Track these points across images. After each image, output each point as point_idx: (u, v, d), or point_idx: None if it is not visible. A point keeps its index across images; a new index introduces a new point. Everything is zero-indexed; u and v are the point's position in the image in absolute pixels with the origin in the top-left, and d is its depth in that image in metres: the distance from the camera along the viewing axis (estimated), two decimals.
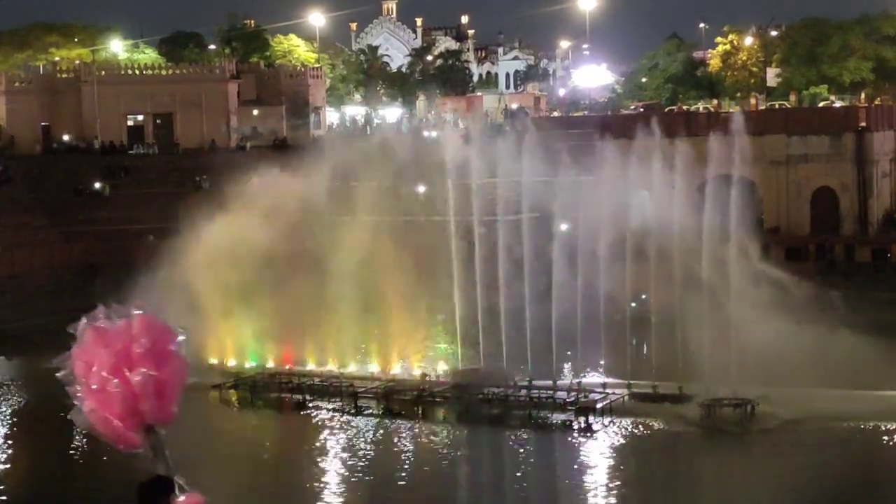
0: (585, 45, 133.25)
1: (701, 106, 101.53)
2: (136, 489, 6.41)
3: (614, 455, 44.82)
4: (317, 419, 51.14)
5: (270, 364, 58.07)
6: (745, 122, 64.54)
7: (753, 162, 75.39)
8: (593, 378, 52.90)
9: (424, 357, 56.78)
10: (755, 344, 47.06)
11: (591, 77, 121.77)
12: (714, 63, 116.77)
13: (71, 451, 47.45)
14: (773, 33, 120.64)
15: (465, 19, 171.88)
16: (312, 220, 58.86)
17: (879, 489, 42.02)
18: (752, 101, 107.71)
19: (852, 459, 44.18)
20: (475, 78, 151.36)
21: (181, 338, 6.35)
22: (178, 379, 6.28)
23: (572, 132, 73.30)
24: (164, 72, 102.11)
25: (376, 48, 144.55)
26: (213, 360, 57.89)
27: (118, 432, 6.27)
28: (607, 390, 50.63)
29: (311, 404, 53.25)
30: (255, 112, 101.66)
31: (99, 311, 6.38)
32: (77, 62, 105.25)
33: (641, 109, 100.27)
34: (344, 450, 46.56)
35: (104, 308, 6.40)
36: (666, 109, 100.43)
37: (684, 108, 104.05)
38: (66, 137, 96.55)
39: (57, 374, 6.39)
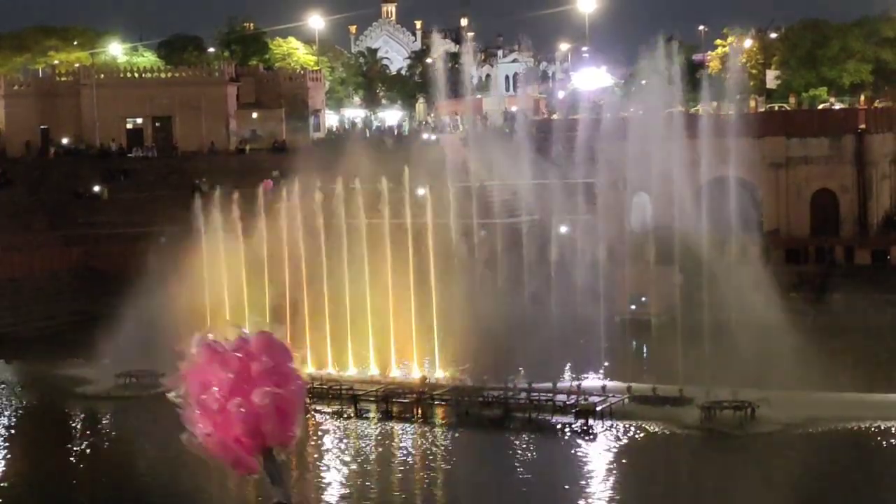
0: (585, 48, 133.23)
1: (701, 108, 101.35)
2: None
3: (614, 458, 44.73)
4: (316, 422, 51.04)
5: None
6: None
7: (753, 164, 75.43)
8: (593, 381, 52.79)
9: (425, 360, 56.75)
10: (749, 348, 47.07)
11: (591, 79, 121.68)
12: (713, 65, 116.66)
13: (70, 455, 47.39)
14: (773, 35, 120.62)
15: (464, 22, 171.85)
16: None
17: (878, 491, 41.94)
18: (752, 103, 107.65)
19: (852, 461, 44.10)
20: (474, 81, 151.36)
21: (298, 357, 6.09)
22: (298, 399, 6.01)
23: None
24: (163, 75, 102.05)
25: (375, 51, 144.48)
26: None
27: (236, 456, 5.94)
28: (607, 393, 50.54)
29: (311, 408, 53.14)
30: (255, 115, 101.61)
31: (209, 328, 6.12)
32: (76, 65, 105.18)
33: (641, 112, 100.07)
34: (343, 453, 46.48)
35: (214, 326, 6.17)
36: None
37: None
38: (64, 140, 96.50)
39: (169, 396, 6.12)
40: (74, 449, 48.69)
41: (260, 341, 5.98)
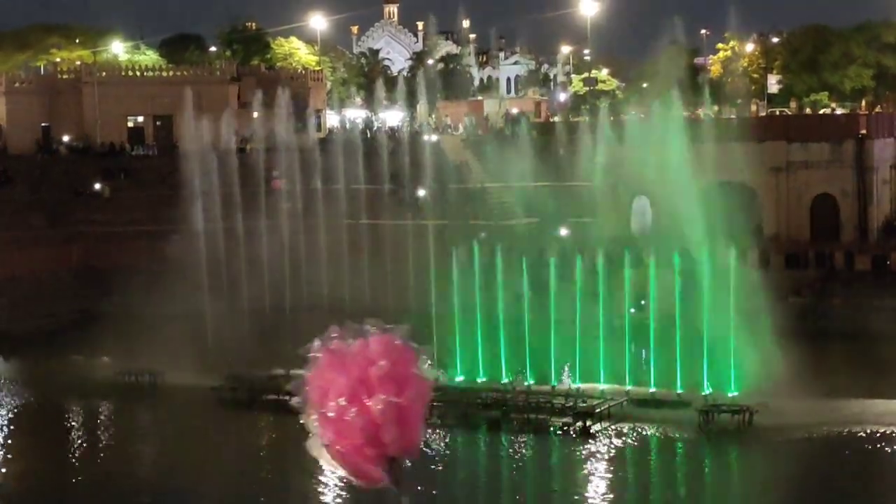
0: (586, 51, 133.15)
1: (702, 113, 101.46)
2: None
3: (612, 460, 44.73)
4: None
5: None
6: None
7: (753, 169, 75.50)
8: (592, 383, 52.78)
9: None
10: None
11: (591, 82, 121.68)
12: (715, 69, 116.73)
13: (68, 453, 47.40)
14: (775, 40, 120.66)
15: (466, 24, 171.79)
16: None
17: (874, 496, 41.94)
18: (753, 107, 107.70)
19: (849, 466, 44.10)
20: (476, 83, 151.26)
21: (422, 359, 5.77)
22: (420, 405, 5.73)
23: None
24: (164, 73, 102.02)
25: (377, 51, 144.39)
26: (213, 363, 57.82)
27: (359, 465, 5.70)
28: (606, 396, 50.58)
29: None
30: (256, 115, 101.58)
31: (332, 331, 5.90)
32: (78, 63, 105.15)
33: (642, 116, 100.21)
34: None
35: (337, 328, 5.91)
36: None
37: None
38: (65, 138, 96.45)
39: (291, 402, 6.01)
40: (72, 446, 48.69)
41: (380, 344, 5.73)
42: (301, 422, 5.75)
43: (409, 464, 5.64)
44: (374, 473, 5.69)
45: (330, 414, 5.67)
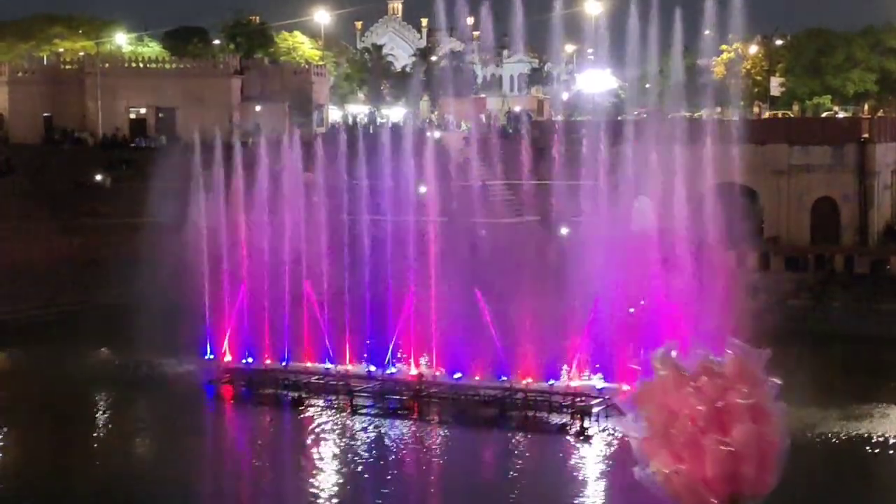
0: (590, 50, 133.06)
1: (704, 114, 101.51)
2: None
3: (609, 459, 44.76)
4: (312, 417, 51.08)
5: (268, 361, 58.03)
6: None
7: (755, 171, 75.50)
8: (590, 382, 52.84)
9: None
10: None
11: (595, 82, 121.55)
12: (718, 71, 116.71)
13: (65, 444, 47.43)
14: (778, 43, 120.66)
15: (470, 21, 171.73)
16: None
17: (872, 498, 41.99)
18: (756, 110, 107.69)
19: (845, 470, 44.15)
20: (479, 80, 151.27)
21: (774, 388, 5.07)
22: (779, 441, 5.16)
23: None
24: (167, 66, 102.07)
25: (381, 47, 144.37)
26: (211, 356, 57.95)
27: (698, 497, 5.05)
28: (603, 395, 50.62)
29: (306, 402, 53.17)
30: (258, 108, 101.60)
31: (670, 345, 5.28)
32: (81, 54, 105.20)
33: (644, 115, 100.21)
34: (338, 448, 46.50)
35: (673, 343, 5.31)
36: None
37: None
38: (68, 129, 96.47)
39: (619, 426, 5.46)
40: (70, 438, 48.71)
41: (736, 366, 5.12)
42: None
43: None
44: None
45: (681, 439, 5.03)
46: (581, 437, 47.37)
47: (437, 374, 54.91)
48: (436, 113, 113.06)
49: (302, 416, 51.32)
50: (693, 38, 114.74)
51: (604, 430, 47.74)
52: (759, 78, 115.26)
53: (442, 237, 56.62)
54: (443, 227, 56.72)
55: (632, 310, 55.33)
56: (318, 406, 52.47)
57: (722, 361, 5.07)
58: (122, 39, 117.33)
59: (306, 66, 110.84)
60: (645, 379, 5.14)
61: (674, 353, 5.11)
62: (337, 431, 48.87)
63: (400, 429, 49.81)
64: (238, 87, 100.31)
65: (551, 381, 52.38)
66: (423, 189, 64.13)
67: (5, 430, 50.09)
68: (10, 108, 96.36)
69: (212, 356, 57.92)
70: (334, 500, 39.85)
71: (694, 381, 4.99)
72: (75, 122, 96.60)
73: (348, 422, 50.31)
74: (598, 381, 52.42)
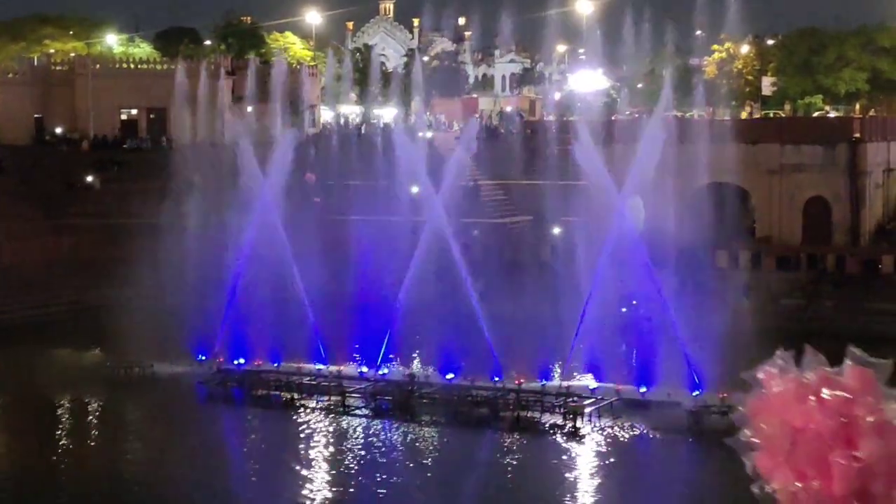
0: (581, 50, 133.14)
1: (696, 113, 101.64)
2: None
3: (601, 459, 44.76)
4: (304, 417, 51.01)
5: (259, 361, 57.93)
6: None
7: (746, 170, 75.60)
8: (582, 382, 52.83)
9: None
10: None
11: (587, 82, 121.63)
12: (709, 70, 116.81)
13: (55, 444, 47.30)
14: (770, 42, 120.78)
15: (462, 21, 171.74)
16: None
17: None
18: (747, 109, 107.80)
19: None
20: (471, 80, 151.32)
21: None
22: None
23: None
24: (158, 66, 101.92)
25: (372, 48, 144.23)
26: (203, 357, 57.84)
27: None
28: (596, 395, 50.62)
29: (298, 402, 53.10)
30: (250, 109, 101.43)
31: (784, 355, 5.06)
32: (72, 55, 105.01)
33: (637, 115, 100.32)
34: (330, 449, 46.44)
35: (785, 353, 5.09)
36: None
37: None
38: (58, 130, 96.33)
39: (732, 439, 5.26)
40: (59, 438, 48.58)
41: (857, 378, 4.84)
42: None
43: None
44: None
45: (804, 456, 4.79)
46: (573, 437, 47.35)
47: (430, 374, 54.89)
48: (428, 113, 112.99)
49: (294, 416, 51.27)
50: (685, 37, 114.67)
51: (595, 431, 47.72)
52: (750, 77, 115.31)
53: (433, 237, 56.50)
54: (434, 227, 56.60)
55: (624, 310, 55.35)
56: (311, 407, 52.41)
57: (841, 372, 4.86)
58: (112, 40, 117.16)
59: (297, 67, 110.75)
60: (760, 391, 4.99)
61: (790, 364, 4.92)
62: (329, 432, 48.82)
63: (392, 429, 49.77)
64: (229, 88, 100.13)
65: (543, 382, 52.36)
66: (414, 189, 64.13)
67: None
68: (0, 109, 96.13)
69: (204, 357, 57.78)
70: (326, 501, 39.81)
71: (815, 394, 4.80)
72: (66, 124, 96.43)
73: (340, 422, 50.26)
74: (590, 381, 52.40)
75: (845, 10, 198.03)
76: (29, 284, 74.66)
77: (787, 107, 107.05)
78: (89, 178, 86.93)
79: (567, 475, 43.01)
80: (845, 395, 4.78)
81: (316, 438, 47.82)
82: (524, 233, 79.14)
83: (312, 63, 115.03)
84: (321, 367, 56.46)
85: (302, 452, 45.67)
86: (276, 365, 57.06)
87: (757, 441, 5.02)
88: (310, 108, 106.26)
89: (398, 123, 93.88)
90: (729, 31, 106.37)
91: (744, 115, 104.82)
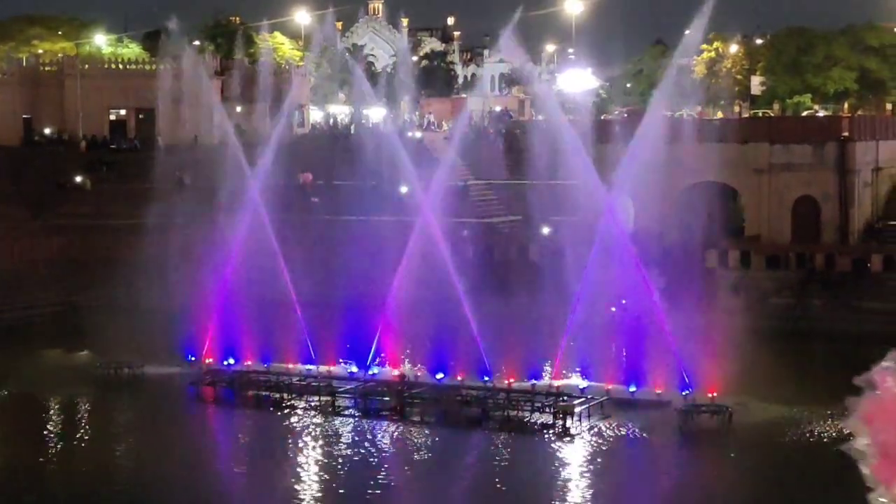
0: (571, 50, 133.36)
1: (685, 113, 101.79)
2: None
3: (591, 459, 44.79)
4: (294, 418, 50.98)
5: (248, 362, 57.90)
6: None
7: (735, 170, 75.74)
8: (572, 381, 52.88)
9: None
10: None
11: (576, 81, 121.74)
12: (699, 70, 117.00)
13: (44, 445, 47.23)
14: (759, 41, 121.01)
15: (451, 21, 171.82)
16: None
17: (851, 498, 42.01)
18: (736, 108, 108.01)
19: (827, 467, 44.21)
20: (460, 80, 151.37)
21: None
22: None
23: None
24: (147, 67, 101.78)
25: (361, 47, 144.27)
26: (192, 358, 57.81)
27: None
28: (585, 394, 50.67)
29: (288, 403, 53.08)
30: (238, 109, 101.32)
31: (894, 356, 4.76)
32: (60, 55, 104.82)
33: (626, 115, 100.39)
34: (320, 449, 46.40)
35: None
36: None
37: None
38: (47, 130, 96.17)
39: (849, 447, 4.99)
40: (51, 439, 48.50)
41: None
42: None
43: None
44: None
45: None
46: (563, 437, 47.38)
47: (420, 374, 54.92)
48: (417, 113, 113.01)
49: (284, 417, 51.22)
50: (673, 36, 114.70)
51: (585, 430, 47.75)
52: (739, 77, 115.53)
53: (423, 237, 56.51)
54: (424, 227, 56.60)
55: (613, 309, 55.39)
56: (300, 407, 52.38)
57: None
58: (101, 41, 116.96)
59: (286, 67, 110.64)
60: (873, 395, 4.69)
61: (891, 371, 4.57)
62: (319, 432, 48.77)
63: (382, 429, 49.74)
64: (218, 88, 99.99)
65: (533, 381, 52.40)
66: (404, 189, 64.14)
67: None
68: None
69: (193, 358, 57.76)
70: (316, 501, 39.77)
71: None
72: (55, 124, 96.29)
73: (331, 423, 50.23)
74: (579, 381, 52.45)
75: (832, 10, 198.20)
76: (19, 285, 74.56)
77: (776, 106, 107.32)
78: (79, 179, 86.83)
79: (557, 475, 43.02)
80: None
81: (306, 439, 47.78)
82: (513, 232, 79.21)
83: (301, 63, 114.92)
84: (311, 367, 56.48)
85: (292, 453, 45.63)
86: (266, 366, 57.08)
87: (874, 448, 4.70)
88: (299, 108, 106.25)
89: (387, 123, 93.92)
90: (719, 29, 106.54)
91: (736, 109, 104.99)
